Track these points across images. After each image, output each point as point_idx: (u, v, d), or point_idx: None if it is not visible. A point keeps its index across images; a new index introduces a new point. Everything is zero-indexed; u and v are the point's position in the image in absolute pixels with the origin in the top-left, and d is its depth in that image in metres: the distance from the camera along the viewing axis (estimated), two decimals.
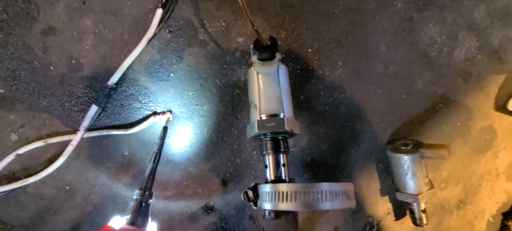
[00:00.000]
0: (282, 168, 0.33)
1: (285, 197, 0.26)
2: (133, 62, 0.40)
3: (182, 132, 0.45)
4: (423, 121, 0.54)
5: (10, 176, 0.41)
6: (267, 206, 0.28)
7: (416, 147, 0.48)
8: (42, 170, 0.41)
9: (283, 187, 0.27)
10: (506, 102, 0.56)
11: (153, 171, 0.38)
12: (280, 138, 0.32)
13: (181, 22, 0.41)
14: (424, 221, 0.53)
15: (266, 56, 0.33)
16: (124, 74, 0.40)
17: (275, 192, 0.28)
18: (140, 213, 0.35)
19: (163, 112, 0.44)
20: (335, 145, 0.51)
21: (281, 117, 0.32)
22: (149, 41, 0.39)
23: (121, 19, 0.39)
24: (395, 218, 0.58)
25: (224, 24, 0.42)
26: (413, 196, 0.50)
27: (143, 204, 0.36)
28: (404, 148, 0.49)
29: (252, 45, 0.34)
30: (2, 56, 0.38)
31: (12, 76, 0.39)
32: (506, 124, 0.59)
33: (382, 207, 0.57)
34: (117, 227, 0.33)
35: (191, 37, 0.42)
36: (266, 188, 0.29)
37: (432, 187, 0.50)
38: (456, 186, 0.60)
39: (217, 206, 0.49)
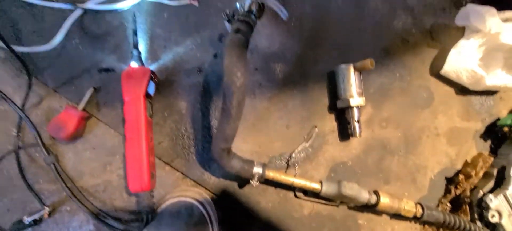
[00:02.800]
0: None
1: None
2: None
3: (201, 15, 0.72)
4: None
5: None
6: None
7: None
8: None
9: None
10: (439, 70, 0.71)
11: (137, 39, 0.65)
12: None
13: None
14: (357, 130, 0.64)
15: None
16: None
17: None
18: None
19: None
20: (299, 60, 0.71)
21: None
22: None
23: None
24: (339, 139, 0.69)
25: None
26: (346, 100, 0.64)
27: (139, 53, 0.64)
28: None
29: None
30: None
31: None
32: (442, 91, 0.72)
33: (328, 124, 0.70)
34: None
35: None
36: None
37: (363, 96, 0.64)
38: (396, 130, 0.70)
39: (205, 70, 0.70)
